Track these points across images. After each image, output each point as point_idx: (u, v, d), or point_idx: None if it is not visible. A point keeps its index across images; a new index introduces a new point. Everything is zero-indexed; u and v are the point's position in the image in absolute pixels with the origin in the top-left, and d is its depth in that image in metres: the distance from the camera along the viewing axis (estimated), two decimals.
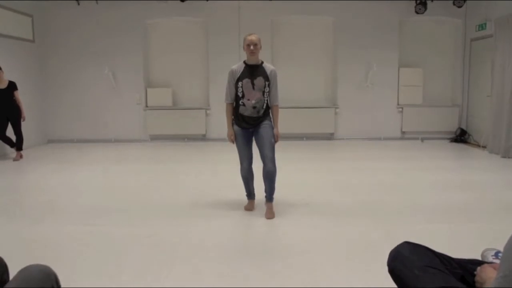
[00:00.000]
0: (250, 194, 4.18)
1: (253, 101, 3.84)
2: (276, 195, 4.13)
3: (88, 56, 8.96)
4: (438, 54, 9.25)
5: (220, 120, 8.98)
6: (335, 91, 9.20)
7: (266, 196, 4.03)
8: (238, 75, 3.85)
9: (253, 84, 3.82)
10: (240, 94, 3.88)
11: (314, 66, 9.25)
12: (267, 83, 3.85)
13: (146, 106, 9.09)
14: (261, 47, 3.87)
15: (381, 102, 9.07)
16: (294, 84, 9.11)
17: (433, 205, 4.30)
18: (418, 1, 8.46)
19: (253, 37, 3.81)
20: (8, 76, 7.10)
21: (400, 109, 9.12)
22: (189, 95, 9.33)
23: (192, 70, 9.31)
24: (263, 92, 3.85)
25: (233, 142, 4.01)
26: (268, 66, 3.90)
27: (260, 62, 3.90)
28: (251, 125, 3.93)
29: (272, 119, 4.02)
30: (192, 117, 9.02)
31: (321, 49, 9.25)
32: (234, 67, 3.91)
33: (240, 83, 3.85)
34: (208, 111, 9.04)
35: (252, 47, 3.79)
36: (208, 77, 9.10)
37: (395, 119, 9.16)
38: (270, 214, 3.96)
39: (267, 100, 3.92)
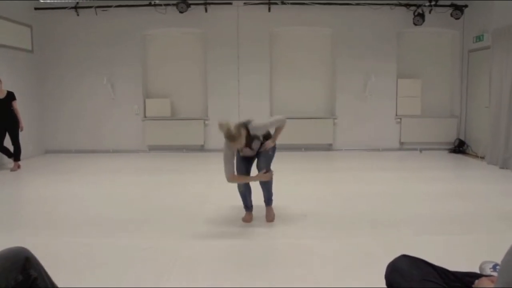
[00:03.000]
0: (248, 207, 4.20)
1: (250, 152, 3.99)
2: (274, 207, 4.19)
3: (87, 67, 9.00)
4: (436, 65, 9.32)
5: (218, 131, 8.97)
6: (333, 102, 9.23)
7: (264, 201, 4.17)
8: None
9: (251, 148, 3.94)
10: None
11: (313, 76, 9.30)
12: (259, 142, 3.95)
13: (145, 117, 9.10)
14: (242, 140, 3.67)
15: (379, 112, 9.11)
16: (292, 95, 9.16)
17: (431, 216, 4.31)
18: (416, 13, 8.55)
19: (235, 144, 3.65)
20: (6, 86, 7.12)
21: (399, 120, 9.15)
22: (187, 105, 9.36)
23: (191, 81, 9.35)
24: (259, 148, 3.98)
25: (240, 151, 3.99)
26: (256, 130, 3.79)
27: (250, 134, 3.80)
28: (253, 147, 4.00)
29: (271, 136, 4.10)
30: (190, 127, 9.02)
31: (320, 59, 9.31)
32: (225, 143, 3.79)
33: (240, 152, 3.99)
34: (206, 122, 9.06)
35: (239, 146, 3.74)
36: (207, 88, 9.13)
37: (394, 130, 9.19)
38: (270, 217, 4.13)
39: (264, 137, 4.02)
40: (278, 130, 4.03)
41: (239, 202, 4.25)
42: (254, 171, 4.09)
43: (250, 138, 3.82)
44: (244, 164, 4.05)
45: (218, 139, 9.03)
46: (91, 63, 8.99)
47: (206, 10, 8.81)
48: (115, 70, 8.99)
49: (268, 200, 4.17)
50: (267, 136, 4.04)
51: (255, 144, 3.92)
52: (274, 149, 4.06)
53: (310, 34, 9.27)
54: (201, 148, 9.20)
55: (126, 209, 4.68)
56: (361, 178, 6.31)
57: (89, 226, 4.07)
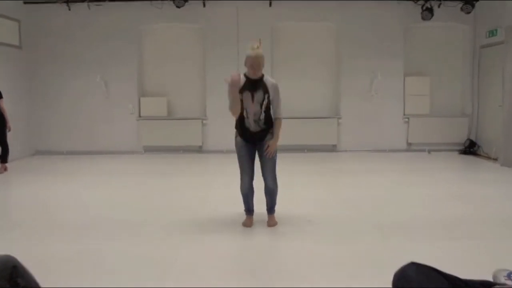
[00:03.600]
0: (249, 210, 4.20)
1: (252, 115, 3.91)
2: (276, 212, 4.20)
3: (79, 64, 8.99)
4: (446, 61, 9.31)
5: (217, 131, 9.05)
6: (338, 101, 9.23)
7: (267, 209, 4.20)
8: (240, 87, 3.88)
9: (252, 97, 3.87)
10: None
11: (316, 74, 9.30)
12: (266, 95, 3.88)
13: (140, 116, 9.10)
14: (264, 64, 3.83)
15: (386, 112, 9.10)
16: (295, 94, 9.13)
17: (440, 221, 4.29)
18: (424, 7, 8.53)
19: (258, 59, 3.76)
20: None
21: (406, 120, 9.14)
22: (184, 104, 9.35)
23: (188, 79, 9.35)
24: (261, 104, 3.89)
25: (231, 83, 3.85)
26: (269, 80, 3.93)
27: (261, 76, 3.92)
28: (255, 139, 3.99)
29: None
30: (187, 128, 9.02)
31: (323, 57, 9.31)
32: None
33: (240, 96, 3.88)
34: (204, 122, 9.06)
35: (255, 67, 3.80)
36: (205, 86, 9.13)
37: (401, 130, 9.18)
38: (272, 222, 4.17)
39: (268, 114, 3.97)
40: (278, 126, 4.01)
41: (239, 206, 4.25)
42: (257, 172, 4.10)
43: (257, 84, 3.86)
44: (248, 165, 4.04)
45: (217, 140, 9.14)
46: (84, 60, 8.97)
47: (204, 5, 8.80)
48: (109, 68, 8.98)
49: (271, 208, 4.20)
50: (270, 126, 4.02)
51: (259, 96, 3.88)
52: (275, 151, 4.05)
53: (313, 30, 9.27)
54: (199, 149, 9.19)
55: (121, 213, 4.67)
56: (367, 181, 6.30)
57: (81, 231, 4.06)
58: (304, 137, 8.96)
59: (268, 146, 3.95)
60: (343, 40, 9.04)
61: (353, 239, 3.81)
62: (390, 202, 5.08)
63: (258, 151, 4.07)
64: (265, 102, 3.89)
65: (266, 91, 3.88)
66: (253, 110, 3.90)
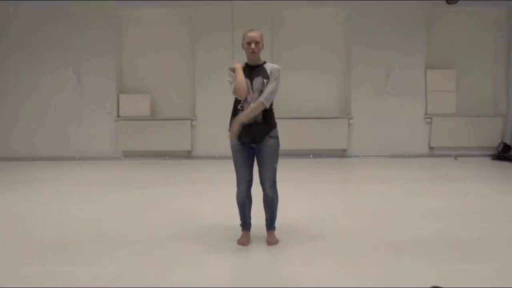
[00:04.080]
0: (246, 224, 4.19)
1: (251, 104, 3.92)
2: (277, 225, 4.17)
3: (47, 55, 8.99)
4: (475, 52, 9.32)
5: (209, 134, 9.03)
6: (348, 98, 9.23)
7: (266, 225, 4.21)
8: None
9: (252, 84, 3.92)
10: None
11: (323, 68, 9.31)
12: (265, 81, 3.93)
13: (118, 116, 9.09)
14: (263, 45, 4.00)
15: (404, 111, 9.10)
16: (298, 90, 9.14)
17: (469, 239, 4.25)
18: None
19: (254, 34, 3.94)
20: None
21: (428, 120, 9.15)
22: (171, 103, 9.35)
23: (175, 73, 9.35)
24: (261, 92, 3.91)
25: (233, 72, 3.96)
26: (270, 65, 4.02)
27: (261, 62, 4.00)
28: (252, 136, 3.97)
29: (277, 132, 4.06)
30: (174, 130, 9.02)
31: (332, 48, 9.31)
32: (230, 67, 4.02)
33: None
34: (194, 123, 9.05)
35: (253, 46, 3.90)
36: (194, 81, 9.13)
37: (422, 132, 9.18)
38: (272, 239, 4.15)
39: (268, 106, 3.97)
40: (254, 107, 3.88)
41: (233, 220, 4.22)
42: (255, 177, 4.09)
43: (257, 71, 3.95)
44: (245, 170, 4.04)
45: (208, 144, 9.12)
46: (53, 51, 8.97)
47: None
48: (83, 60, 8.97)
49: (270, 223, 4.19)
50: (268, 119, 4.01)
51: (257, 82, 3.91)
52: (277, 153, 4.04)
53: (320, 17, 9.27)
54: (188, 155, 9.18)
55: (96, 231, 4.62)
56: (381, 192, 6.27)
57: (50, 251, 4.01)
58: (309, 140, 8.95)
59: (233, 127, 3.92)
60: (354, 27, 9.04)
61: (366, 259, 3.77)
62: (408, 216, 5.05)
63: (256, 155, 4.05)
64: (264, 89, 3.94)
65: (265, 76, 3.94)
66: (253, 99, 3.93)
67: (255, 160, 4.09)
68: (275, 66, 4.02)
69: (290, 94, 9.09)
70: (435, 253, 3.90)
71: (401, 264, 3.68)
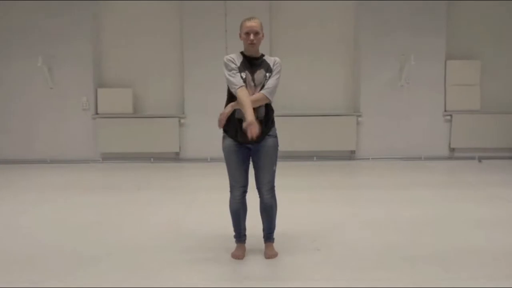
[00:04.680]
0: (240, 235, 4.18)
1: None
2: (277, 235, 4.16)
3: (14, 44, 8.97)
4: (501, 42, 9.34)
5: (199, 133, 9.04)
6: (356, 94, 9.26)
7: (264, 236, 4.19)
8: (238, 66, 3.96)
9: (253, 79, 3.95)
10: None
11: (328, 60, 9.35)
12: (268, 75, 3.96)
13: (96, 113, 9.09)
14: (263, 35, 4.02)
15: (421, 108, 9.13)
16: (300, 85, 9.16)
17: (493, 253, 4.24)
18: None
19: (253, 23, 3.95)
20: None
21: (448, 117, 9.18)
22: (156, 98, 9.37)
23: (162, 65, 9.37)
24: (263, 86, 3.95)
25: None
26: (270, 58, 4.06)
27: (260, 55, 4.04)
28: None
29: (275, 131, 4.09)
30: (160, 129, 9.02)
31: (338, 37, 9.34)
32: (230, 56, 4.01)
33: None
34: (182, 121, 9.06)
35: (252, 36, 3.91)
36: (183, 74, 9.14)
37: (441, 131, 9.22)
38: (271, 252, 4.14)
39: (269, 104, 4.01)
40: (256, 97, 3.90)
41: (227, 230, 4.23)
42: (251, 182, 4.13)
43: (257, 64, 3.98)
44: (240, 173, 4.05)
45: (198, 145, 9.11)
46: (21, 38, 8.96)
47: None
48: (55, 49, 8.95)
49: (268, 234, 4.18)
50: (269, 119, 4.04)
51: (259, 76, 3.96)
52: (276, 154, 4.07)
53: (325, 3, 9.28)
54: (176, 157, 9.19)
55: (68, 244, 4.60)
56: (395, 198, 6.29)
57: (21, 267, 3.99)
58: (313, 140, 8.98)
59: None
60: (364, 13, 9.07)
61: (377, 274, 3.76)
62: (425, 226, 5.06)
63: (252, 157, 4.06)
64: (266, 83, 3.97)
65: (268, 69, 3.97)
66: (253, 93, 3.94)
67: (251, 162, 4.09)
68: (277, 59, 4.05)
69: (290, 88, 9.09)
70: (457, 269, 3.87)
71: (417, 280, 3.68)
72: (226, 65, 3.94)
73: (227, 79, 3.90)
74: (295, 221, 5.10)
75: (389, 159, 9.10)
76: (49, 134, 9.10)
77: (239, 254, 4.15)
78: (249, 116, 3.70)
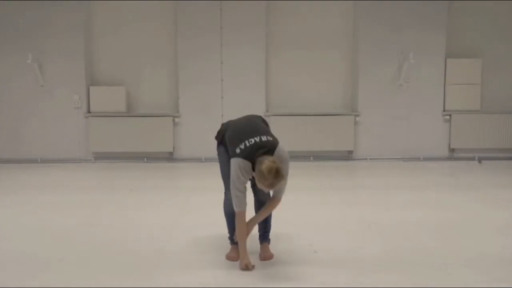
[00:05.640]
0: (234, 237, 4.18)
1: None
2: (273, 236, 4.15)
3: (4, 40, 8.91)
4: (504, 39, 9.33)
5: (193, 132, 9.00)
6: (355, 92, 9.24)
7: (260, 236, 4.19)
8: (250, 178, 3.86)
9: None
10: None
11: (325, 57, 9.32)
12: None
13: (89, 112, 9.05)
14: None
15: (420, 107, 9.12)
16: (296, 83, 9.15)
17: (499, 257, 4.21)
18: None
19: (274, 186, 3.69)
20: None
21: (448, 117, 9.17)
22: (150, 96, 9.33)
23: (155, 62, 9.33)
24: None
25: (248, 269, 3.86)
26: (279, 154, 3.88)
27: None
28: None
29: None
30: (154, 128, 8.99)
31: (335, 33, 9.32)
32: (243, 165, 3.77)
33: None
34: (176, 120, 9.03)
35: (266, 191, 3.82)
36: (177, 72, 9.10)
37: (441, 131, 9.21)
38: (266, 254, 4.12)
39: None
40: (271, 205, 4.02)
41: (221, 231, 4.19)
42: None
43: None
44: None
45: (193, 144, 9.08)
46: (9, 33, 8.90)
47: None
48: (46, 44, 8.91)
49: (264, 233, 4.16)
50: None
51: None
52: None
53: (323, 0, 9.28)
54: (170, 157, 9.16)
55: (57, 246, 4.55)
56: (394, 200, 6.28)
57: (9, 271, 3.93)
58: (309, 140, 8.96)
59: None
60: (361, 8, 9.06)
61: (379, 279, 3.72)
62: (427, 229, 5.04)
63: None
64: None
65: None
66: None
67: None
68: (285, 155, 3.93)
69: (286, 87, 9.11)
70: (460, 274, 3.83)
71: (417, 284, 3.64)
72: (237, 179, 3.77)
73: (232, 189, 3.80)
74: (292, 222, 5.06)
75: (387, 159, 9.11)
76: (39, 132, 9.05)
77: (234, 255, 4.11)
78: (241, 250, 3.89)
